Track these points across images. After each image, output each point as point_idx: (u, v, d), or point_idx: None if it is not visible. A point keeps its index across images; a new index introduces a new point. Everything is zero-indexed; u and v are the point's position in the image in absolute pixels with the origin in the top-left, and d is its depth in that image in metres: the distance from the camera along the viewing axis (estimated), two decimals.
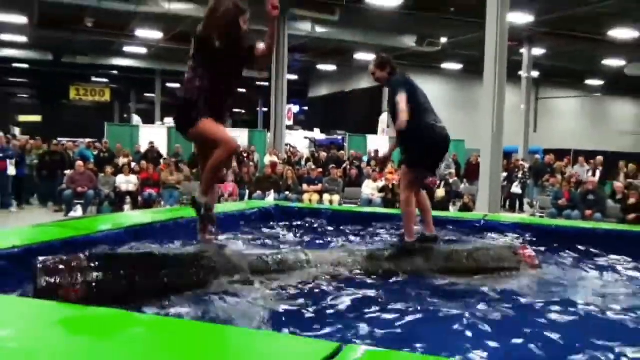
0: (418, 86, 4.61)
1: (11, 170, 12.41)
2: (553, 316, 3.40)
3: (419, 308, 3.37)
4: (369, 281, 4.03)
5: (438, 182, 14.04)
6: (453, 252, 4.65)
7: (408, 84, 4.50)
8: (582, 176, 14.60)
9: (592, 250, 5.43)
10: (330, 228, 6.15)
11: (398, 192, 12.66)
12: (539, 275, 4.48)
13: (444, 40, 22.34)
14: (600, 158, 14.94)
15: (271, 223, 6.28)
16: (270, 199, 12.69)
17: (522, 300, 3.79)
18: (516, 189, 15.23)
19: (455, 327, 3.09)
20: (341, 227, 6.16)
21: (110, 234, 4.45)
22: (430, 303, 3.56)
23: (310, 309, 3.28)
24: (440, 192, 12.98)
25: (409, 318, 3.21)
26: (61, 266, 3.05)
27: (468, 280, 4.17)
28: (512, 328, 3.16)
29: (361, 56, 26.17)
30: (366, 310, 3.30)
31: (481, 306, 3.49)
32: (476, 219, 6.15)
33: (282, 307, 3.27)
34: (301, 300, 3.46)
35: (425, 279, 4.19)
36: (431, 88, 28.60)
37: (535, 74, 26.04)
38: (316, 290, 3.71)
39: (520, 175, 15.51)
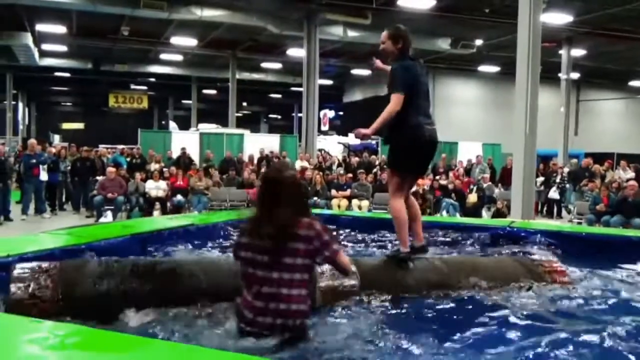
0: (422, 78, 4.19)
1: (43, 176, 12.61)
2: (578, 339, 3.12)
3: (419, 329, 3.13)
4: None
5: (470, 186, 13.71)
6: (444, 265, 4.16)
7: (413, 78, 4.08)
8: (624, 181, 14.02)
9: (626, 259, 5.09)
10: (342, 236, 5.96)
11: (428, 198, 12.46)
12: (565, 291, 4.11)
13: (479, 42, 21.91)
14: None
15: None
16: None
17: (538, 322, 3.47)
18: (554, 194, 14.71)
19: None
20: (356, 235, 5.97)
21: (115, 241, 4.38)
22: (426, 323, 3.31)
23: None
24: (473, 197, 12.63)
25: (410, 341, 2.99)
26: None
27: (473, 295, 3.85)
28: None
29: None
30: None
31: (489, 328, 3.23)
32: (501, 226, 5.86)
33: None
34: None
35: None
36: (467, 91, 28.52)
37: (575, 75, 25.30)
38: None
39: (558, 180, 14.98)
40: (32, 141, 13.13)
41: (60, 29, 21.03)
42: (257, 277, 2.79)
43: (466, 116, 27.95)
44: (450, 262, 4.22)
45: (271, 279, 2.77)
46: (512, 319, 3.41)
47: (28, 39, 21.87)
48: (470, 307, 3.64)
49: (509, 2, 15.07)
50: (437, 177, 13.91)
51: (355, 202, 12.82)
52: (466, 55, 23.36)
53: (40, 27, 21.23)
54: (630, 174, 14.73)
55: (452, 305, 3.69)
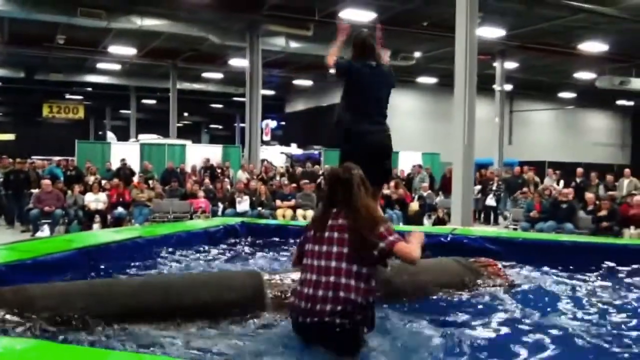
0: (371, 82, 4.30)
1: None
2: (523, 336, 3.31)
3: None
4: None
5: (412, 195, 14.04)
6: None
7: (355, 74, 4.35)
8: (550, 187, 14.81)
9: (560, 262, 5.37)
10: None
11: None
12: (507, 292, 4.29)
13: (418, 54, 22.50)
14: (580, 170, 15.00)
15: (228, 241, 6.12)
16: (244, 206, 12.53)
17: (487, 321, 3.64)
18: (490, 201, 15.27)
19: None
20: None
21: (62, 256, 4.28)
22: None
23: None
24: (414, 206, 12.95)
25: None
26: None
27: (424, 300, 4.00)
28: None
29: None
30: None
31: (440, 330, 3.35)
32: (443, 233, 6.06)
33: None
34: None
35: None
36: (407, 102, 29.14)
37: (508, 87, 26.34)
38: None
39: (494, 188, 15.56)
40: None
41: None
42: (320, 268, 2.94)
43: (406, 126, 28.52)
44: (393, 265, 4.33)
45: (335, 269, 2.91)
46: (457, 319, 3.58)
47: None
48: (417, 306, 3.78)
49: (447, 16, 15.59)
50: None
51: (300, 212, 12.89)
52: (406, 67, 23.93)
53: None
54: (552, 181, 15.49)
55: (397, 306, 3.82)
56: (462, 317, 3.69)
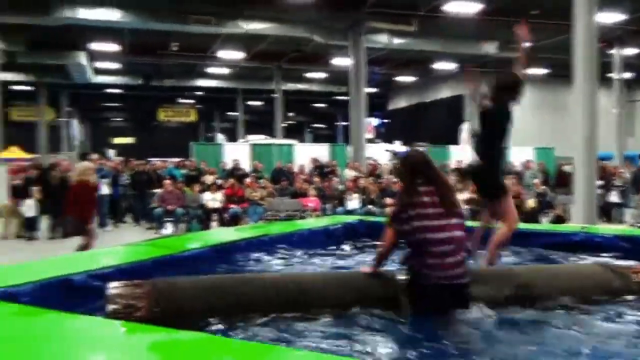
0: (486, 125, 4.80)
1: (104, 190, 12.98)
2: None
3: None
4: None
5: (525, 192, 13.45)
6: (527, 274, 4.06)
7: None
8: None
9: None
10: None
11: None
12: None
13: (527, 44, 21.53)
14: None
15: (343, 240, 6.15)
16: (354, 204, 12.61)
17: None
18: (614, 197, 14.29)
19: None
20: None
21: (197, 252, 4.52)
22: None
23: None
24: (531, 203, 12.37)
25: None
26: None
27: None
28: None
29: (440, 65, 25.74)
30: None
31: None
32: (572, 232, 5.75)
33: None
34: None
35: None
36: None
37: (627, 75, 24.61)
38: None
39: (619, 183, 14.56)
40: (94, 157, 13.56)
41: (113, 47, 21.74)
42: (452, 239, 3.46)
43: (514, 119, 27.48)
44: (532, 270, 4.16)
45: (453, 237, 3.47)
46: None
47: (82, 57, 22.68)
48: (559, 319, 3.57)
49: (559, 4, 14.83)
50: None
51: None
52: (514, 59, 22.99)
53: (94, 46, 21.96)
54: None
55: (534, 316, 3.63)
56: (605, 325, 3.45)
